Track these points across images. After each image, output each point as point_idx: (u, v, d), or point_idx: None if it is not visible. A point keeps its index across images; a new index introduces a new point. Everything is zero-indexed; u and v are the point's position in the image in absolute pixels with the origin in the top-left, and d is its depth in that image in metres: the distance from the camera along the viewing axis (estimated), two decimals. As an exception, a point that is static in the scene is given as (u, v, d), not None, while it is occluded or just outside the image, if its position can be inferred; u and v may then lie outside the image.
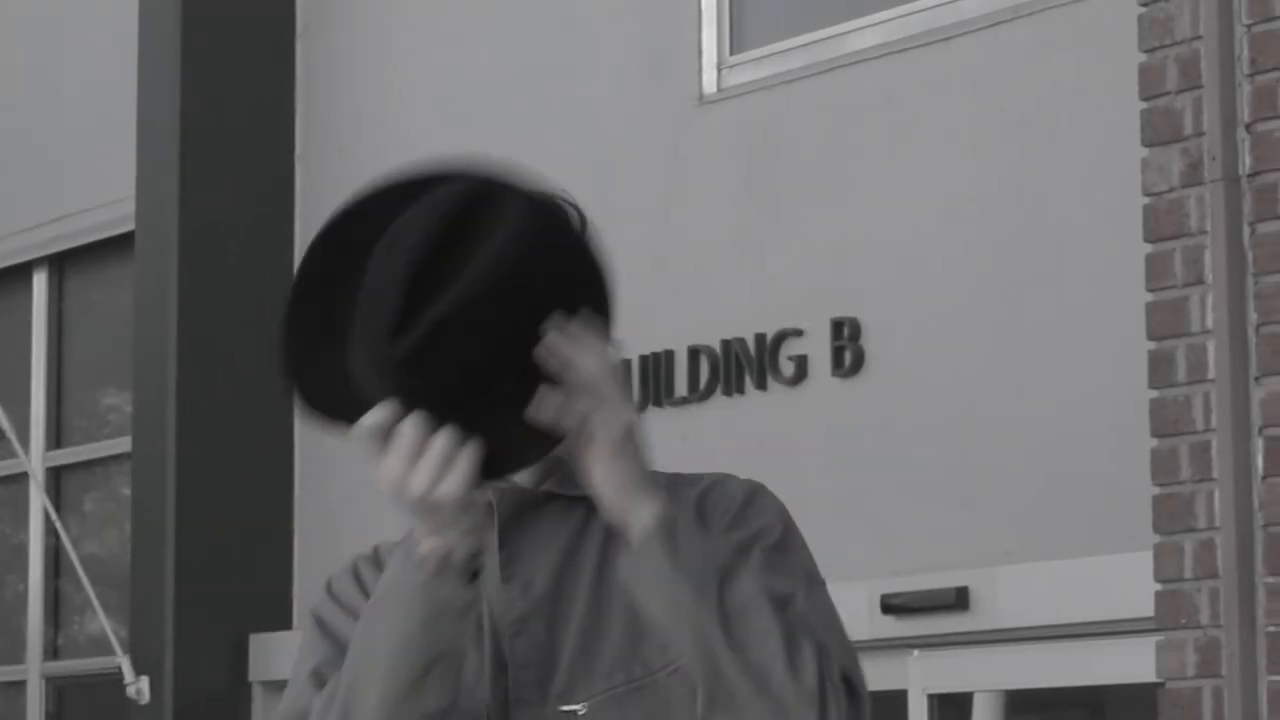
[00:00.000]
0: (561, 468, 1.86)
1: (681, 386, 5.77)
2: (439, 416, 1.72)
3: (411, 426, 1.73)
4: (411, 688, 1.77)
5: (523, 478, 1.87)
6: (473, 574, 1.77)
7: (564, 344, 1.71)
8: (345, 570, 1.92)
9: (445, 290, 1.69)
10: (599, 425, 1.73)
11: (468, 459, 1.72)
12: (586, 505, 1.87)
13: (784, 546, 1.84)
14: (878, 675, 5.28)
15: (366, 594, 1.86)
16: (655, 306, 5.72)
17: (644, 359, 5.84)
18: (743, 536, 1.84)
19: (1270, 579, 4.11)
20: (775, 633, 1.75)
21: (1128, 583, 4.48)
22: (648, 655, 1.84)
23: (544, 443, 1.74)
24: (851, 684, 1.81)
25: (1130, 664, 4.63)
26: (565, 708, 1.83)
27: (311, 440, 6.77)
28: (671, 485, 1.90)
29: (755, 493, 1.88)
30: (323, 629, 1.89)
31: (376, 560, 1.91)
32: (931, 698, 5.24)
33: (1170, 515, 4.25)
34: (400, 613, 1.77)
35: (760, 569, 1.79)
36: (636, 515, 1.76)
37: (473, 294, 1.69)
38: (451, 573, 1.75)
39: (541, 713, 1.83)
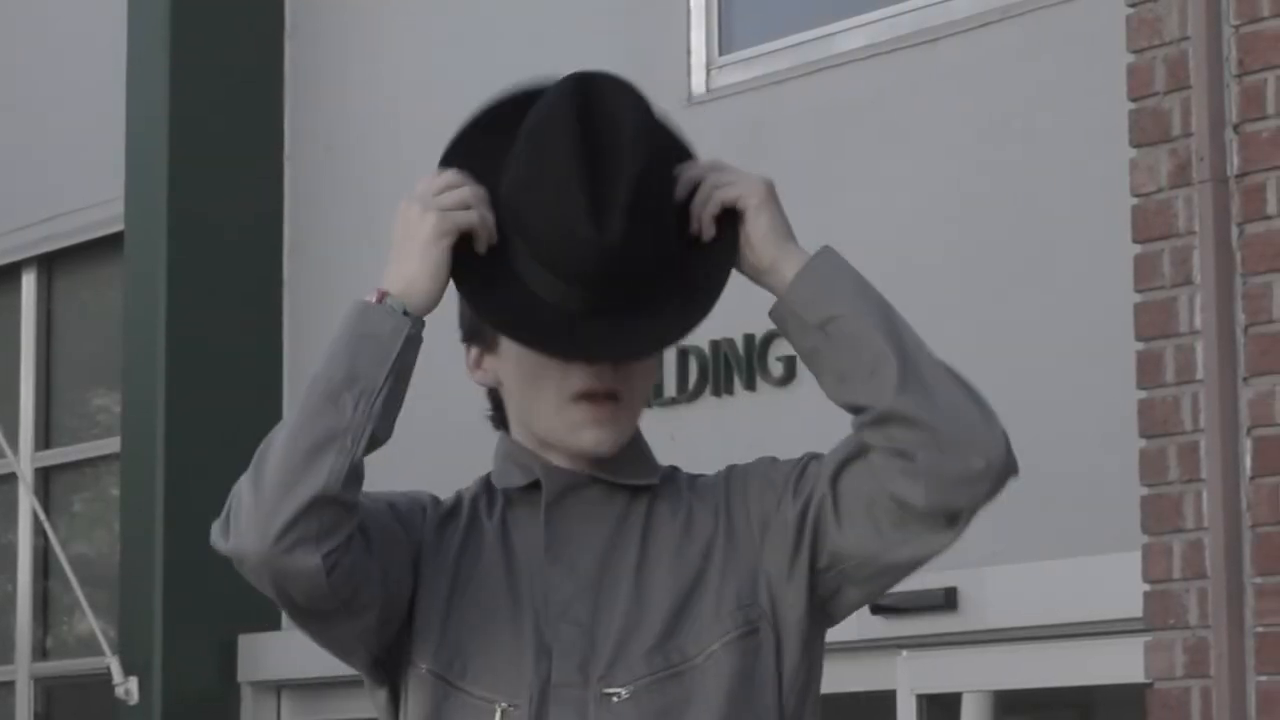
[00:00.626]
0: (605, 456, 1.90)
1: (670, 387, 5.77)
2: (635, 291, 1.84)
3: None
4: (327, 399, 1.79)
5: (564, 463, 1.91)
6: (417, 318, 1.82)
7: (694, 166, 1.90)
8: (429, 496, 1.95)
9: (618, 176, 1.83)
10: (745, 191, 1.88)
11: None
12: (629, 493, 1.92)
13: None
14: (866, 676, 5.30)
15: (407, 523, 1.89)
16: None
17: (633, 359, 5.83)
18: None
19: (1259, 579, 4.11)
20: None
21: (1116, 583, 4.47)
22: (685, 642, 1.87)
23: (698, 310, 1.89)
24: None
25: (1119, 664, 4.62)
26: (608, 690, 1.85)
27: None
28: (686, 479, 1.95)
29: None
30: (391, 496, 1.92)
31: (453, 508, 1.94)
32: (920, 698, 5.24)
33: (1159, 516, 4.25)
34: (335, 345, 1.82)
35: None
36: (796, 248, 1.88)
37: (641, 175, 1.84)
38: (398, 309, 1.81)
39: (583, 695, 1.85)
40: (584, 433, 1.89)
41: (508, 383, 1.94)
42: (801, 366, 5.72)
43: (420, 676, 1.89)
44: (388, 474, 2.05)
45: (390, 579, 1.88)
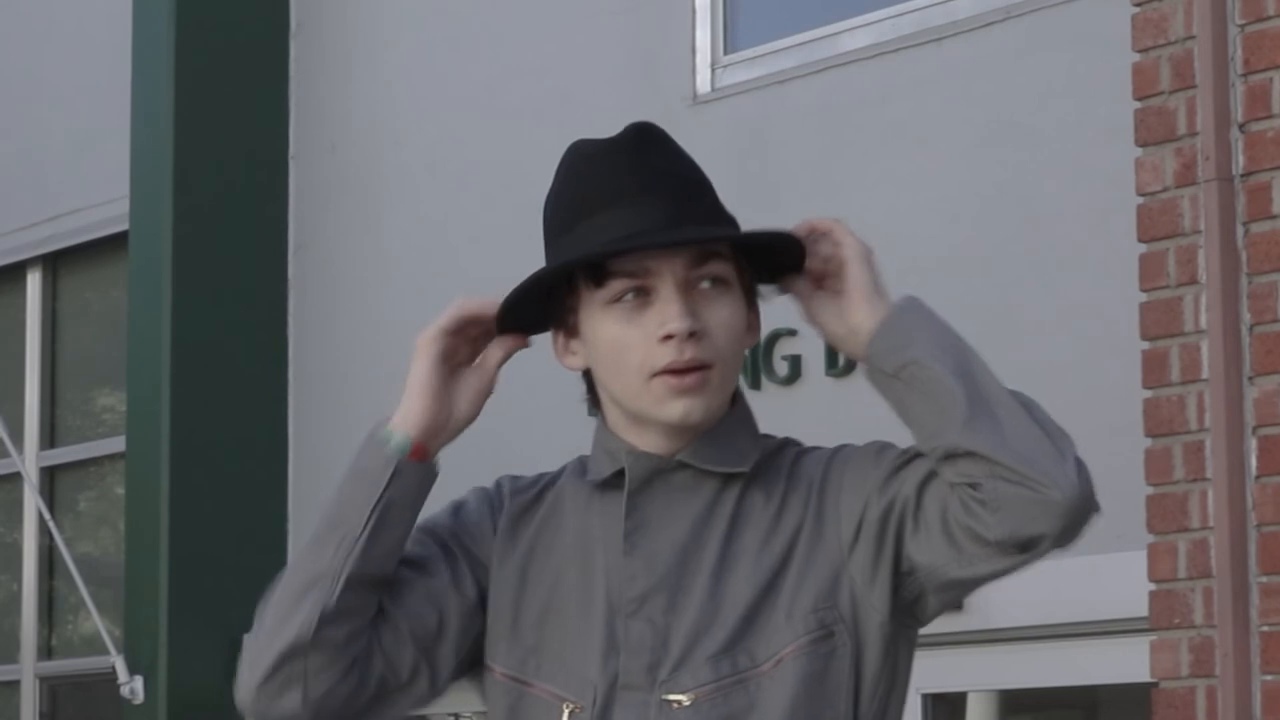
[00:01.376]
0: (695, 439, 1.86)
1: (675, 386, 5.77)
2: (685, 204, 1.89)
3: None
4: (314, 542, 1.84)
5: (655, 445, 1.87)
6: (413, 446, 1.85)
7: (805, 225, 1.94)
8: (508, 484, 1.94)
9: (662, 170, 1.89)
10: (847, 249, 1.91)
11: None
12: (720, 479, 1.87)
13: None
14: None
15: (473, 540, 1.89)
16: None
17: (638, 359, 5.83)
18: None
19: (1264, 579, 4.11)
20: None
21: (1121, 583, 4.46)
22: (754, 646, 1.82)
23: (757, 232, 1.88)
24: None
25: (1124, 664, 4.62)
26: (669, 697, 1.81)
27: (306, 440, 6.77)
28: (793, 455, 1.92)
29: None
30: (450, 521, 1.92)
31: (536, 495, 1.93)
32: (926, 697, 5.24)
33: (1164, 515, 4.24)
34: (341, 480, 1.87)
35: None
36: (888, 297, 1.88)
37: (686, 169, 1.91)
38: (387, 440, 1.85)
39: (646, 699, 1.81)
40: (672, 404, 1.84)
41: (594, 364, 1.89)
42: (807, 366, 5.73)
43: (495, 680, 1.87)
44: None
45: (439, 633, 1.87)
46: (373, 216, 6.67)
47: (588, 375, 1.92)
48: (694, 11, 5.90)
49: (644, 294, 1.85)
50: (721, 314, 1.86)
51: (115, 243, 7.13)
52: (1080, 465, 1.80)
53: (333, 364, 6.72)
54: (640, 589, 1.83)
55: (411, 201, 6.55)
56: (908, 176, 5.38)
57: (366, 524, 1.82)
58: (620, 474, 1.86)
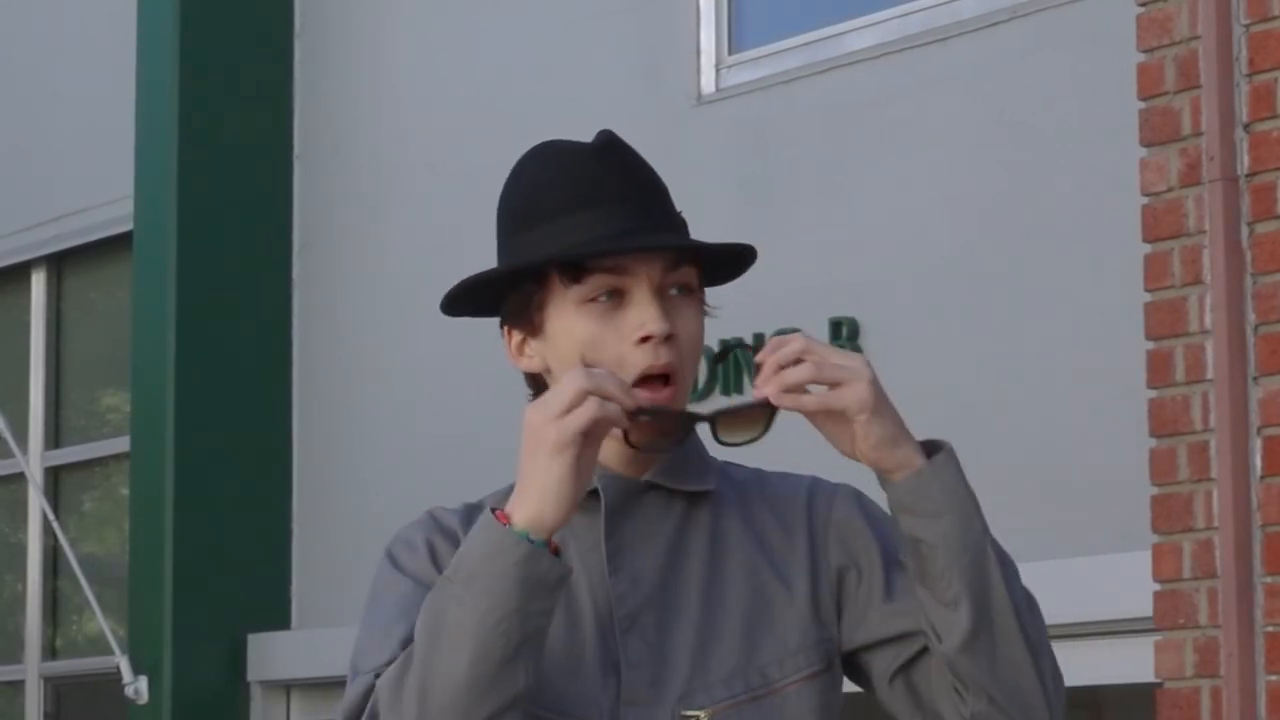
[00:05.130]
0: (663, 458, 1.84)
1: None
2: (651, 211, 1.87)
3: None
4: (503, 666, 1.71)
5: (624, 466, 1.84)
6: (556, 550, 1.74)
7: (775, 354, 1.77)
8: (408, 543, 1.84)
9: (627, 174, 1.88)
10: (854, 400, 1.77)
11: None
12: (686, 499, 1.86)
13: None
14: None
15: (438, 565, 1.79)
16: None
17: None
18: None
19: (1269, 579, 4.10)
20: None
21: (1126, 583, 4.46)
22: (765, 665, 1.82)
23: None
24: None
25: (1128, 664, 4.61)
26: (687, 712, 1.80)
27: (310, 440, 6.76)
28: (751, 479, 1.89)
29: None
30: (403, 575, 1.80)
31: (439, 527, 1.84)
32: (930, 698, 5.23)
33: (1169, 515, 4.23)
34: (495, 587, 1.70)
35: None
36: (915, 448, 1.79)
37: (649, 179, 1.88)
38: (542, 549, 1.71)
39: (653, 714, 1.80)
40: None
41: (556, 364, 1.85)
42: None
43: None
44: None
45: None
46: (377, 216, 6.66)
47: (536, 380, 1.89)
48: (698, 11, 5.88)
49: (618, 295, 1.84)
50: (689, 322, 1.86)
51: (120, 243, 7.12)
52: (1058, 686, 1.83)
53: (337, 364, 6.70)
54: (630, 606, 1.82)
55: (415, 201, 6.54)
56: (912, 177, 5.37)
57: (540, 636, 1.73)
58: (592, 494, 1.83)
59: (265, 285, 6.79)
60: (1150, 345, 4.30)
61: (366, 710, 1.74)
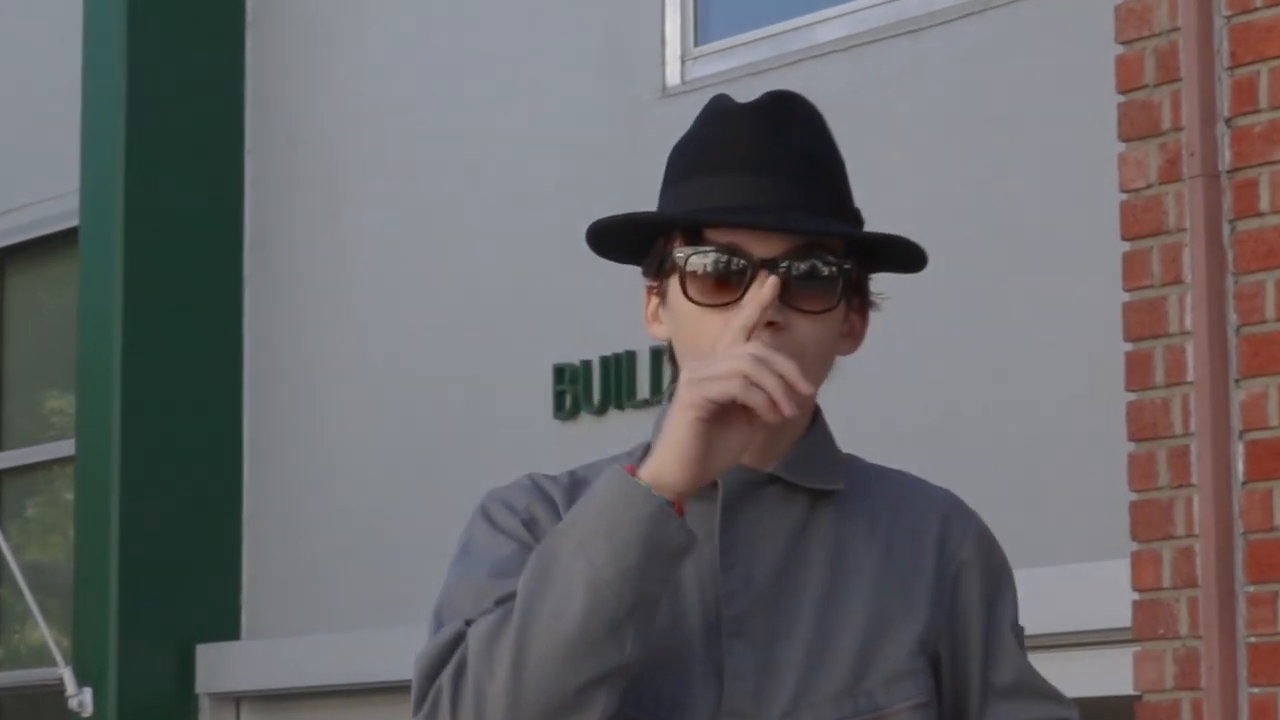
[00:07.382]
0: (788, 452, 1.74)
1: (644, 388, 5.71)
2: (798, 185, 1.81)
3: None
4: (611, 630, 1.62)
5: (748, 457, 1.73)
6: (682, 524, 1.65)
7: None
8: (508, 504, 1.74)
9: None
10: None
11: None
12: (811, 496, 1.75)
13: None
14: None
15: (535, 533, 1.70)
16: (616, 306, 5.61)
17: (605, 360, 5.77)
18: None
19: (1251, 588, 4.09)
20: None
21: (1104, 592, 4.43)
22: (873, 687, 1.72)
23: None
24: None
25: (1107, 676, 4.59)
26: None
27: (261, 446, 6.68)
28: (875, 476, 1.80)
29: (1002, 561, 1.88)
30: (501, 534, 1.71)
31: (541, 494, 1.74)
32: (900, 709, 5.15)
33: (1148, 522, 4.20)
34: (615, 540, 1.62)
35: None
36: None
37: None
38: (668, 508, 1.63)
39: None
40: None
41: (675, 338, 1.78)
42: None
43: None
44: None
45: None
46: (331, 211, 6.58)
47: (672, 352, 1.80)
48: (663, 2, 5.87)
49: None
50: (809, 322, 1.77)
51: (65, 239, 7.07)
52: None
53: (289, 363, 6.62)
54: (739, 608, 1.71)
55: (372, 196, 6.47)
56: (884, 172, 5.30)
57: (652, 608, 1.64)
58: (710, 484, 1.72)
59: (215, 283, 6.71)
60: (1129, 346, 4.28)
61: (454, 659, 1.64)
